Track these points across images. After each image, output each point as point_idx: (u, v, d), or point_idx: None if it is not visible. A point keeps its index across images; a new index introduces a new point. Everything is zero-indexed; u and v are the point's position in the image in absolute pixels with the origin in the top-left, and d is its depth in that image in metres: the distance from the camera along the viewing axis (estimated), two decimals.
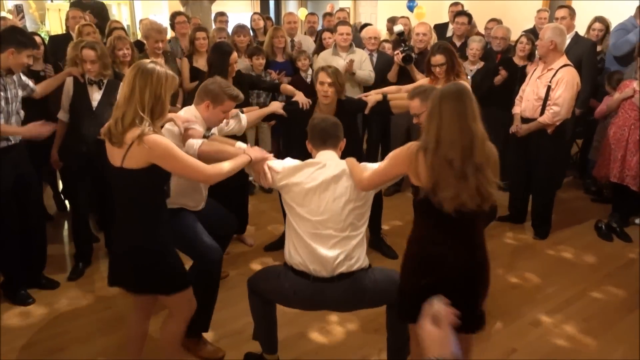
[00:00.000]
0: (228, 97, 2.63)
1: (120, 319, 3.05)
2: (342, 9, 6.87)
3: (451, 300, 2.01)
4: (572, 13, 4.88)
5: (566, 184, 5.40)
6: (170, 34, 5.50)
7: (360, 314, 2.88)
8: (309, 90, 3.76)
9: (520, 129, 4.06)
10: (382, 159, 5.21)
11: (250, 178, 4.16)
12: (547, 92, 3.88)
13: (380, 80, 4.75)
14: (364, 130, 5.07)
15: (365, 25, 6.04)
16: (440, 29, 6.26)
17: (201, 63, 4.65)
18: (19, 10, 5.17)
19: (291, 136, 3.95)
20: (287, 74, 4.80)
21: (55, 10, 9.41)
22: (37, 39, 3.91)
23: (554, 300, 3.32)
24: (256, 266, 3.68)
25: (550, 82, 3.86)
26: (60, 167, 3.76)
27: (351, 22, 7.27)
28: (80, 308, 3.21)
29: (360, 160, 2.40)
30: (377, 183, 2.23)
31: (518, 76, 4.65)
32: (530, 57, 4.77)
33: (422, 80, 3.69)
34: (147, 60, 2.12)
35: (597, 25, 5.14)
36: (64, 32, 5.67)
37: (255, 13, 6.46)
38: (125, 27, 6.45)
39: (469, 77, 4.72)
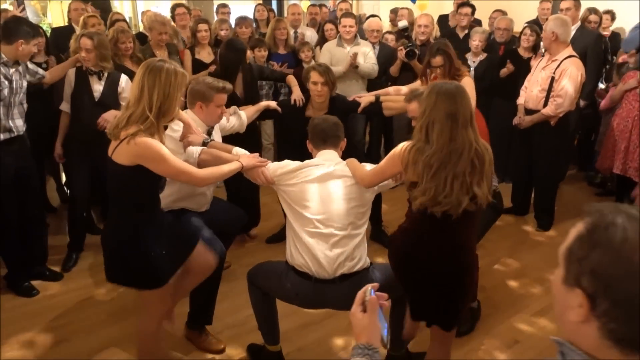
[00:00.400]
0: (216, 91, 2.68)
1: (124, 310, 3.07)
2: (344, 0, 6.82)
3: (428, 297, 2.09)
4: (577, 4, 4.83)
5: (569, 175, 5.38)
6: None
7: None
8: None
9: (523, 121, 4.04)
10: (385, 150, 5.24)
11: None
12: (551, 83, 3.85)
13: (382, 73, 4.73)
14: (366, 123, 5.06)
15: (371, 17, 5.99)
16: (445, 20, 6.22)
17: (203, 55, 4.63)
18: (19, 1, 5.15)
19: (285, 131, 3.97)
20: (289, 66, 4.78)
21: (57, 2, 9.37)
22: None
23: None
24: (259, 258, 3.67)
25: (554, 73, 3.83)
26: (63, 162, 3.76)
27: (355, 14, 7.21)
28: (84, 299, 3.22)
29: (357, 158, 2.43)
30: (377, 182, 2.26)
31: (523, 68, 4.62)
32: (534, 48, 4.74)
33: (416, 83, 3.66)
34: (156, 59, 2.13)
35: (593, 17, 5.12)
36: (66, 24, 5.65)
37: (259, 4, 6.43)
38: (127, 19, 6.42)
39: (471, 69, 4.70)
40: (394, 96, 3.52)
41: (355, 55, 4.49)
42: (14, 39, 2.95)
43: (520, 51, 4.79)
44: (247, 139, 3.27)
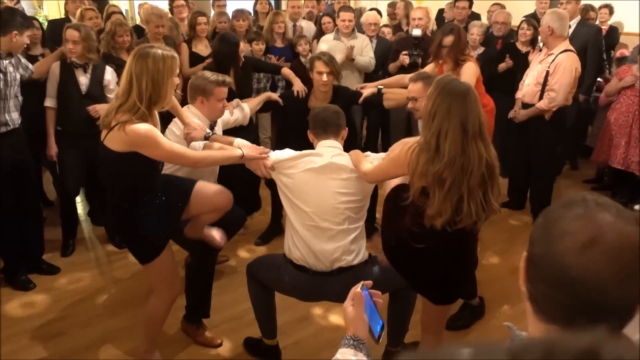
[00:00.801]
0: (215, 84, 2.70)
1: (121, 304, 3.07)
2: None
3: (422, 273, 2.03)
4: None
5: (566, 170, 5.40)
6: None
7: None
8: (308, 76, 3.75)
9: (519, 114, 4.04)
10: (382, 144, 5.22)
11: None
12: (546, 77, 3.85)
13: (380, 66, 4.72)
14: (364, 116, 5.05)
15: (372, 10, 5.96)
16: (442, 13, 6.20)
17: (200, 48, 4.61)
18: None
19: (287, 124, 3.97)
20: (286, 59, 4.77)
21: None
22: (35, 23, 3.87)
23: None
24: (257, 252, 3.68)
25: (549, 67, 3.82)
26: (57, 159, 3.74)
27: (353, 7, 7.17)
28: (82, 292, 3.22)
29: (357, 148, 2.41)
30: (380, 180, 2.23)
31: (521, 62, 4.61)
32: (532, 42, 4.73)
33: (429, 67, 3.65)
34: (146, 45, 2.12)
35: (592, 14, 5.13)
36: (63, 16, 5.62)
37: None
38: (124, 12, 6.38)
39: None
40: (395, 89, 3.52)
41: (351, 48, 4.47)
42: (8, 29, 2.93)
43: (519, 45, 4.78)
44: (244, 132, 3.27)
